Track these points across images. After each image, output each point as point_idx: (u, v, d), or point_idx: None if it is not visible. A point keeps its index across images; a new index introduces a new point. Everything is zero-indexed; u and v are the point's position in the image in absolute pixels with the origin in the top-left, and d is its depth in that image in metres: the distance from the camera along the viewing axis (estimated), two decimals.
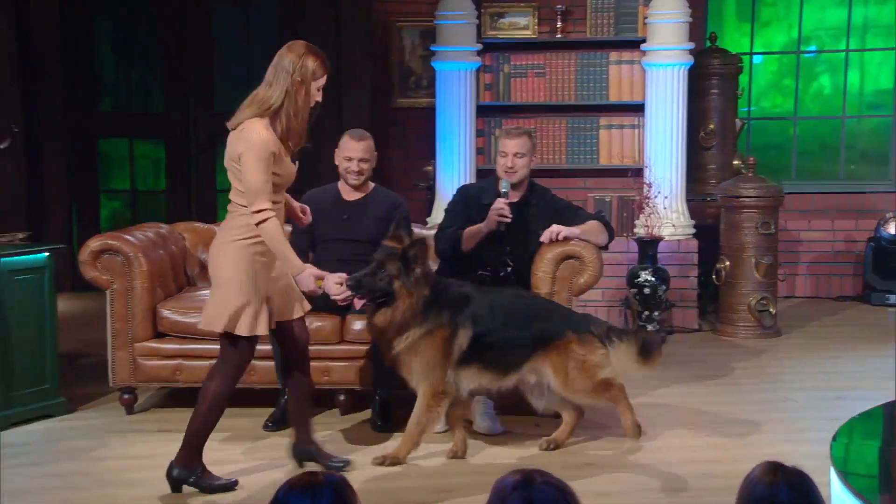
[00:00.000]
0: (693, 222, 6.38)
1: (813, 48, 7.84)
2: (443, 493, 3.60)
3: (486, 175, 5.52)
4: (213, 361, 3.65)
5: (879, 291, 6.89)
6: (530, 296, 4.23)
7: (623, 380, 4.00)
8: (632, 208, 6.30)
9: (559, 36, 6.55)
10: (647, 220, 6.05)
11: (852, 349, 5.74)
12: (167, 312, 4.45)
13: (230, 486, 3.61)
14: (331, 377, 4.38)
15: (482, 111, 6.51)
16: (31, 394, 4.39)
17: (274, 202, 3.48)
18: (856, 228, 7.25)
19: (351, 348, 4.40)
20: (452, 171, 6.38)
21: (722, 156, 6.76)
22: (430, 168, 6.63)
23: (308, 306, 3.75)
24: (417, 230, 4.83)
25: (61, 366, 4.58)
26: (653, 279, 5.93)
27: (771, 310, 6.06)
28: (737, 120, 6.88)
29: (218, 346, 3.60)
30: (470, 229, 4.41)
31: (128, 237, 4.51)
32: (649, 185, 6.09)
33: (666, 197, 6.14)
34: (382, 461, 3.83)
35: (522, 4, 6.59)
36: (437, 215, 5.99)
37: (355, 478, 3.60)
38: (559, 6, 6.52)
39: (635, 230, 6.22)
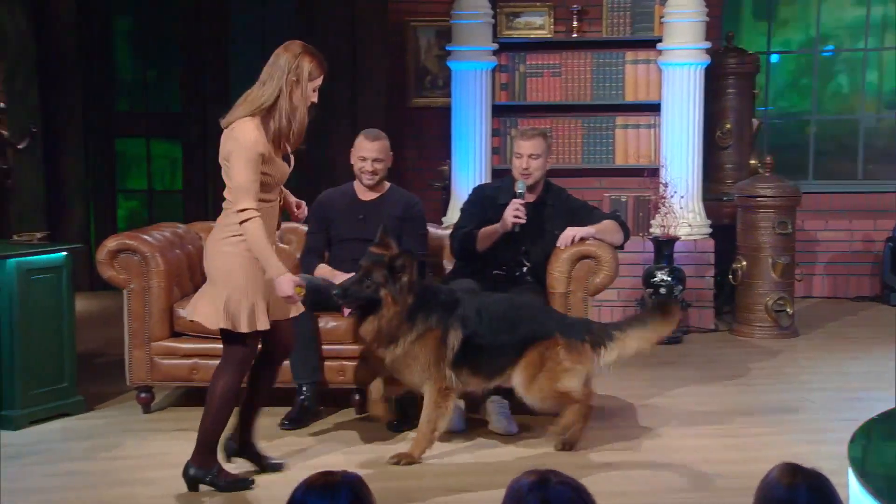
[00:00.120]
0: (709, 222, 6.35)
1: (831, 47, 7.79)
2: (457, 492, 3.60)
3: (502, 175, 5.51)
4: None
5: None
6: (524, 299, 4.16)
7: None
8: (648, 208, 6.28)
9: (575, 35, 6.53)
10: (663, 220, 6.04)
11: (870, 350, 5.71)
12: (184, 312, 4.47)
13: (246, 484, 3.62)
14: (346, 377, 4.38)
15: (498, 111, 6.51)
16: (50, 392, 4.42)
17: (267, 200, 3.49)
18: (874, 228, 7.20)
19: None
20: (468, 171, 6.38)
21: (738, 155, 6.74)
22: (445, 168, 6.63)
23: (301, 308, 3.74)
24: (433, 230, 4.84)
25: (79, 364, 4.60)
26: (669, 279, 5.91)
27: (788, 310, 6.03)
28: (754, 119, 6.85)
29: None
30: (485, 229, 4.41)
31: (145, 237, 4.53)
32: (665, 185, 6.08)
33: (682, 196, 6.12)
34: (398, 461, 3.84)
35: (538, 4, 6.58)
36: (453, 215, 5.99)
37: (370, 477, 3.61)
38: (575, 6, 6.51)
39: (651, 230, 6.20)
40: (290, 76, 3.45)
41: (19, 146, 6.88)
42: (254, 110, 3.44)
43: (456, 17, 6.38)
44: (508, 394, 4.13)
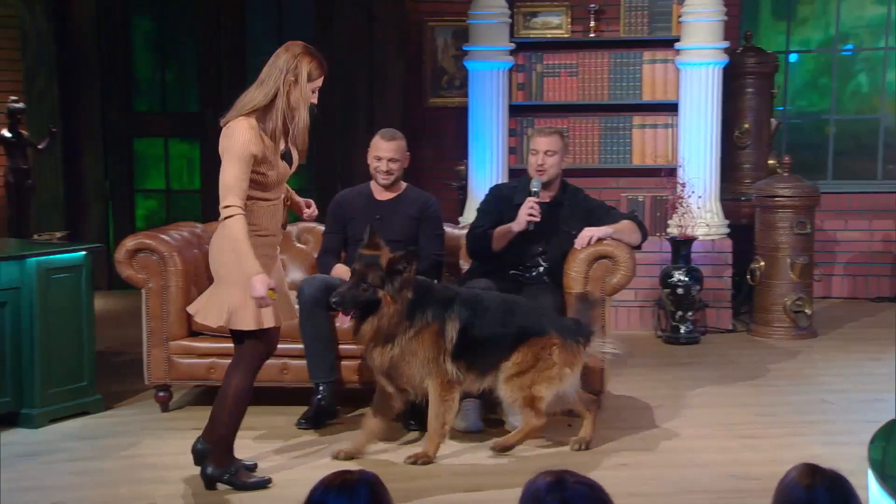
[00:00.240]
0: (727, 222, 6.33)
1: (850, 46, 7.74)
2: (473, 492, 3.60)
3: (519, 175, 5.51)
4: None
5: None
6: (519, 298, 4.13)
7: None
8: (665, 208, 6.26)
9: (592, 35, 6.52)
10: (680, 220, 6.02)
11: (890, 351, 5.65)
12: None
13: (263, 484, 3.63)
14: (363, 376, 4.38)
15: (515, 111, 6.50)
16: (69, 391, 4.45)
17: (267, 199, 3.49)
18: (894, 228, 7.16)
19: None
20: (485, 171, 6.38)
21: (757, 155, 6.71)
22: (462, 168, 6.63)
23: (295, 315, 3.72)
24: (449, 230, 4.84)
25: (98, 363, 4.63)
26: (686, 279, 5.89)
27: (806, 310, 5.99)
28: (772, 119, 6.81)
29: None
30: (500, 229, 4.41)
31: (163, 236, 4.55)
32: (683, 185, 6.05)
33: (700, 196, 6.09)
34: (415, 460, 3.84)
35: (555, 4, 6.57)
36: (470, 215, 5.98)
37: (387, 477, 3.61)
38: (592, 5, 6.49)
39: (668, 230, 6.18)
40: (288, 76, 3.44)
41: (39, 146, 6.94)
42: (248, 110, 3.44)
43: (473, 16, 6.38)
44: None
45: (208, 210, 7.66)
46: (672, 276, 5.91)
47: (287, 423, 4.30)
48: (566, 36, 6.55)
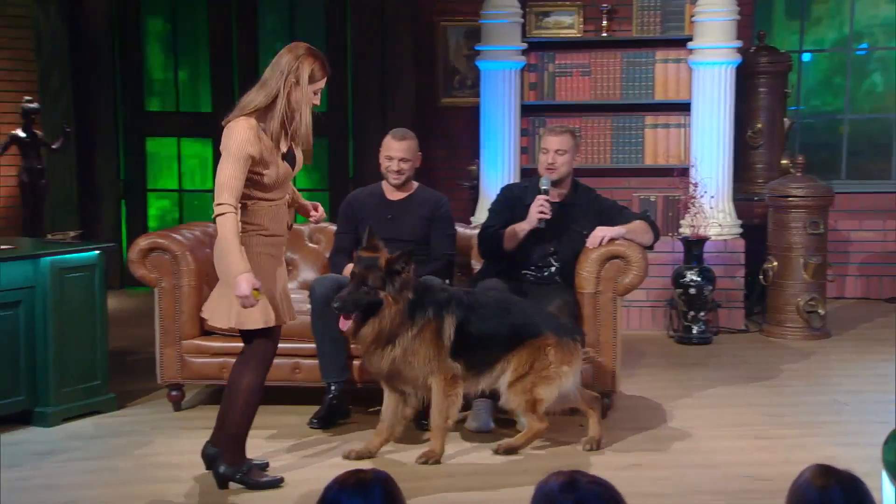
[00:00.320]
0: (740, 222, 6.31)
1: (864, 45, 7.70)
2: (485, 491, 3.60)
3: (530, 174, 5.51)
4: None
5: None
6: (516, 298, 4.13)
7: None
8: (677, 208, 6.25)
9: (605, 35, 6.51)
10: (692, 220, 6.00)
11: None
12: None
13: (275, 483, 3.63)
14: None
15: (526, 110, 6.49)
16: (82, 390, 4.46)
17: (269, 199, 3.49)
18: None
19: None
20: (496, 171, 6.37)
21: (770, 155, 6.68)
22: (474, 167, 6.63)
23: (296, 316, 3.73)
24: (461, 230, 4.84)
25: (111, 362, 4.64)
26: (699, 279, 5.87)
27: (820, 311, 5.97)
28: (785, 119, 6.79)
29: None
30: (511, 228, 4.40)
31: (175, 236, 4.57)
32: (695, 185, 6.04)
33: (712, 196, 6.08)
34: (425, 460, 3.84)
35: (568, 3, 6.56)
36: (481, 215, 5.98)
37: (399, 476, 3.61)
38: (605, 5, 6.48)
39: (681, 230, 6.16)
40: (289, 77, 3.44)
41: (53, 146, 6.97)
42: (250, 110, 3.45)
43: (485, 16, 6.38)
44: None
45: None
46: (684, 276, 5.90)
47: (299, 423, 4.31)
48: (578, 35, 6.54)
